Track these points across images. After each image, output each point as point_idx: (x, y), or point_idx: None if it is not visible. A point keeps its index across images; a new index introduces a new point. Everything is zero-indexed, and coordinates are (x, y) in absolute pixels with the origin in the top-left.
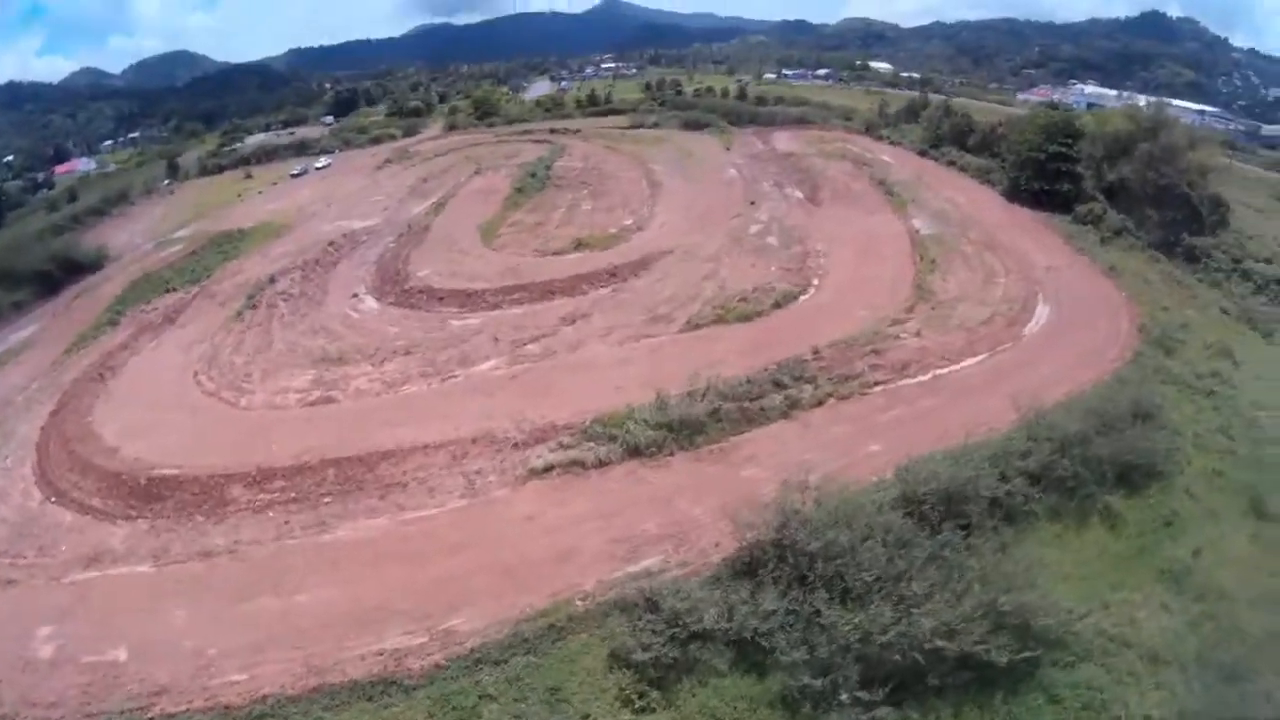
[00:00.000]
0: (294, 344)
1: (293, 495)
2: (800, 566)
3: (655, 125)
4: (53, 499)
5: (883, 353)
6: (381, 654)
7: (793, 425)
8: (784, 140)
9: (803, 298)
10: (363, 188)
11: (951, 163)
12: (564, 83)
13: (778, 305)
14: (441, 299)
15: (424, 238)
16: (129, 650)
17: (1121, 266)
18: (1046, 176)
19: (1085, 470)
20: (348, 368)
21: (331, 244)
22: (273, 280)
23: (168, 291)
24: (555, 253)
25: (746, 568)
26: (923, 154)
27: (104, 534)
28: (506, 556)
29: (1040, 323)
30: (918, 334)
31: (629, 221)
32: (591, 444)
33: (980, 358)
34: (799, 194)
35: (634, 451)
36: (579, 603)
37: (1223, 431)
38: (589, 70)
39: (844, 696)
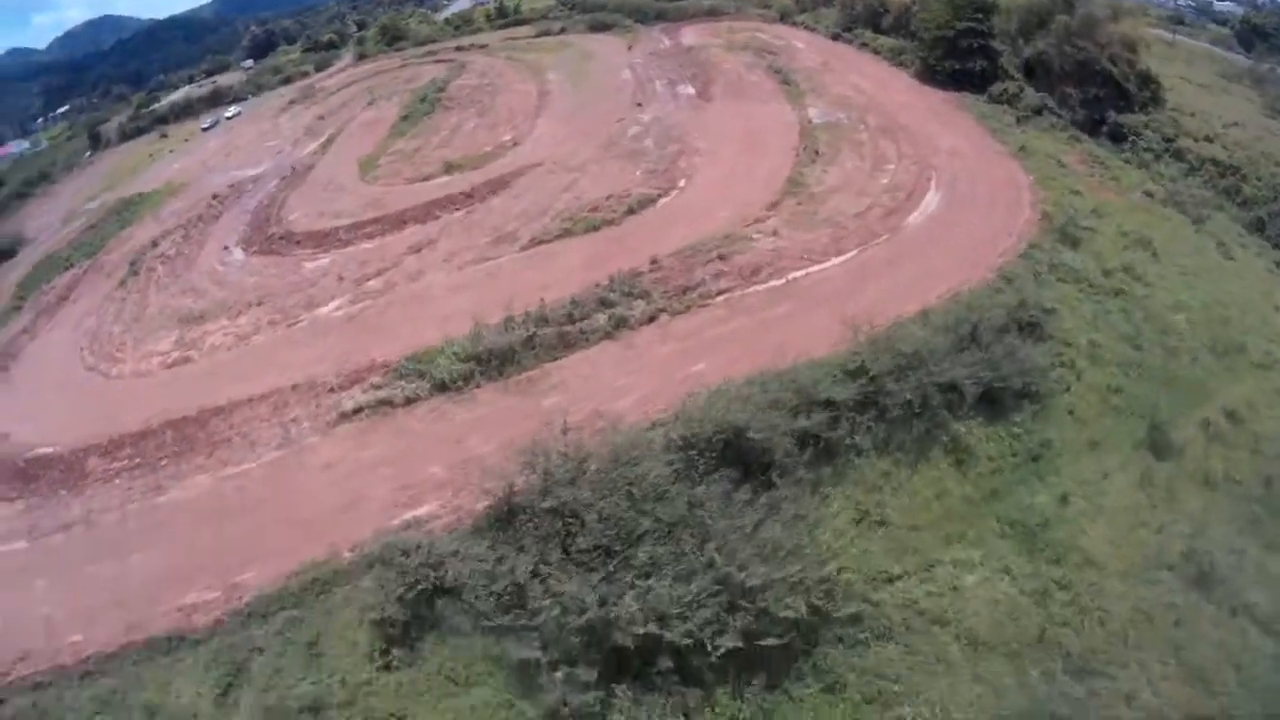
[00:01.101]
0: (165, 306)
1: (138, 461)
2: (547, 522)
3: (562, 31)
4: None
5: (729, 258)
6: (181, 609)
7: (614, 346)
8: (691, 34)
9: (663, 201)
10: (262, 133)
11: (865, 45)
12: None
13: (631, 212)
14: (299, 242)
15: (305, 179)
16: (2, 621)
17: (1033, 147)
18: (959, 55)
19: (932, 395)
20: (207, 325)
21: (215, 197)
22: (155, 244)
23: (66, 269)
24: (425, 178)
25: (506, 519)
26: (835, 38)
27: None
28: (302, 508)
29: (927, 212)
30: (774, 233)
31: (507, 137)
32: (402, 382)
33: (846, 256)
34: (691, 90)
35: (441, 387)
36: (347, 554)
37: (1129, 340)
38: None
39: (557, 674)
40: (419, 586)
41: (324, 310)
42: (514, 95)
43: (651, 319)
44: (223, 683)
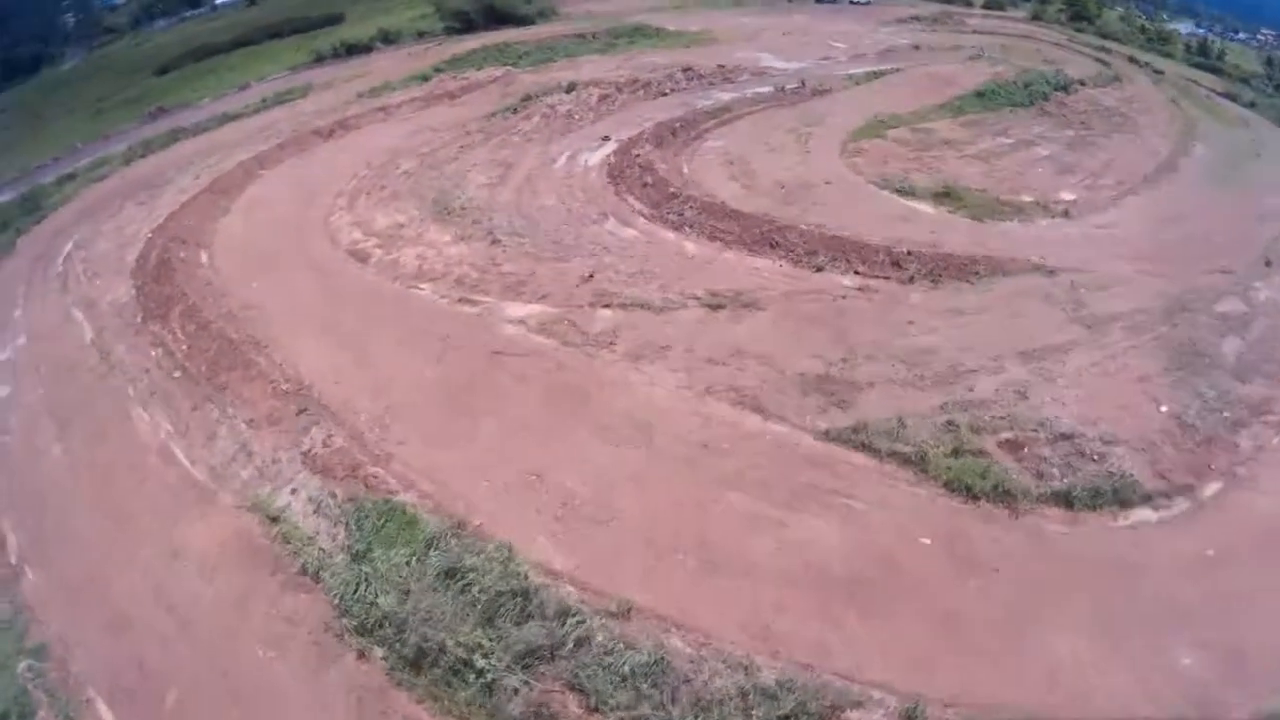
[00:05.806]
0: (471, 164)
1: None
2: None
3: None
4: None
5: None
6: None
7: None
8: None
9: None
10: (858, 18)
11: None
12: None
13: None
14: (637, 195)
15: (793, 104)
16: None
17: None
18: None
19: None
20: (436, 226)
21: (687, 70)
22: (571, 88)
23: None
24: (899, 191)
25: None
26: None
27: None
28: None
29: None
30: None
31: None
32: None
33: None
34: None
35: None
36: None
37: None
38: None
39: None
40: None
41: (515, 311)
42: (1152, 129)
43: None
44: None
